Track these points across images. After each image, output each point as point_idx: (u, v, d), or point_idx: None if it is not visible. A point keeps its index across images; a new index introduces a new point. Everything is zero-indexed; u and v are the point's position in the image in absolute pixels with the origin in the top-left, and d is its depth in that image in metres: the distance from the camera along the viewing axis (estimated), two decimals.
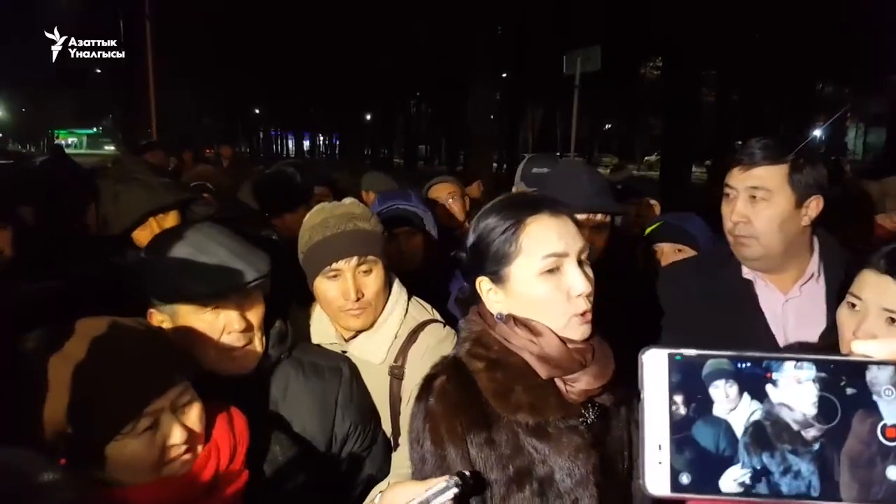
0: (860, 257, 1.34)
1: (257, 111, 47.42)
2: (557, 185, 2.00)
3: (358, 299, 1.56)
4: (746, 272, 1.72)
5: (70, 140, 63.14)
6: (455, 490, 1.01)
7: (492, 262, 1.18)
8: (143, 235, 2.13)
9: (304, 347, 1.57)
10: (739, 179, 1.63)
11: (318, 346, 1.68)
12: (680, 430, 0.51)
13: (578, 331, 1.15)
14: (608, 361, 1.18)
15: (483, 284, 1.22)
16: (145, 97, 14.19)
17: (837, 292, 1.39)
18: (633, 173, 4.96)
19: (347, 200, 1.73)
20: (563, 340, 1.15)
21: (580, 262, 1.16)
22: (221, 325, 1.34)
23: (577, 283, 1.13)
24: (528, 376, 1.16)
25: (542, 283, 1.14)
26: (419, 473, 1.18)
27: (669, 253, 2.32)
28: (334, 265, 1.56)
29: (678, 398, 0.51)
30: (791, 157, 1.58)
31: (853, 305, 1.29)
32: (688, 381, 0.51)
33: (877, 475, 0.49)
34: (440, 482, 1.07)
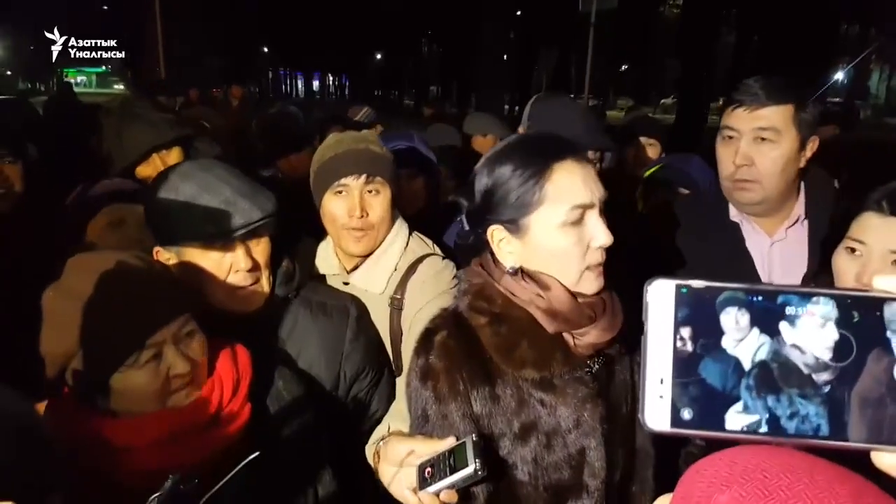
0: (856, 199, 1.26)
1: (266, 50, 46.36)
2: (546, 122, 1.98)
3: (362, 217, 1.57)
4: (734, 215, 1.68)
5: (79, 79, 62.16)
6: (482, 473, 0.99)
7: (510, 210, 1.10)
8: (146, 171, 2.13)
9: (313, 287, 1.58)
10: (745, 120, 1.55)
11: (327, 285, 1.69)
12: (684, 363, 0.47)
13: (592, 284, 1.11)
14: (618, 313, 1.13)
15: (496, 233, 1.14)
16: (153, 36, 13.89)
17: (828, 235, 1.33)
18: (649, 116, 4.85)
19: (363, 131, 1.75)
20: (573, 294, 1.10)
21: (601, 212, 1.10)
22: (228, 264, 1.34)
23: (601, 235, 1.08)
24: (533, 331, 1.10)
25: (564, 234, 1.08)
26: (419, 430, 1.15)
27: (670, 195, 2.29)
28: (343, 180, 1.57)
29: (684, 330, 0.48)
30: (797, 97, 1.54)
31: (853, 251, 1.22)
32: (694, 314, 0.48)
33: (889, 416, 0.46)
34: (446, 444, 1.05)
